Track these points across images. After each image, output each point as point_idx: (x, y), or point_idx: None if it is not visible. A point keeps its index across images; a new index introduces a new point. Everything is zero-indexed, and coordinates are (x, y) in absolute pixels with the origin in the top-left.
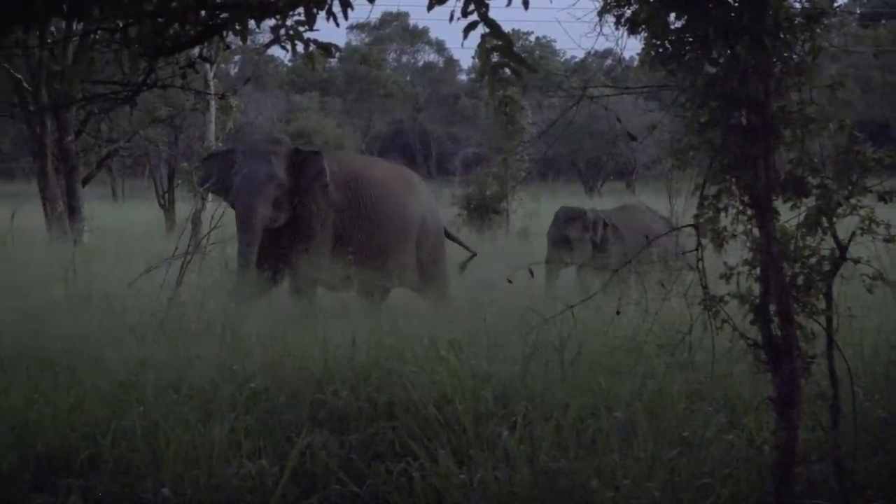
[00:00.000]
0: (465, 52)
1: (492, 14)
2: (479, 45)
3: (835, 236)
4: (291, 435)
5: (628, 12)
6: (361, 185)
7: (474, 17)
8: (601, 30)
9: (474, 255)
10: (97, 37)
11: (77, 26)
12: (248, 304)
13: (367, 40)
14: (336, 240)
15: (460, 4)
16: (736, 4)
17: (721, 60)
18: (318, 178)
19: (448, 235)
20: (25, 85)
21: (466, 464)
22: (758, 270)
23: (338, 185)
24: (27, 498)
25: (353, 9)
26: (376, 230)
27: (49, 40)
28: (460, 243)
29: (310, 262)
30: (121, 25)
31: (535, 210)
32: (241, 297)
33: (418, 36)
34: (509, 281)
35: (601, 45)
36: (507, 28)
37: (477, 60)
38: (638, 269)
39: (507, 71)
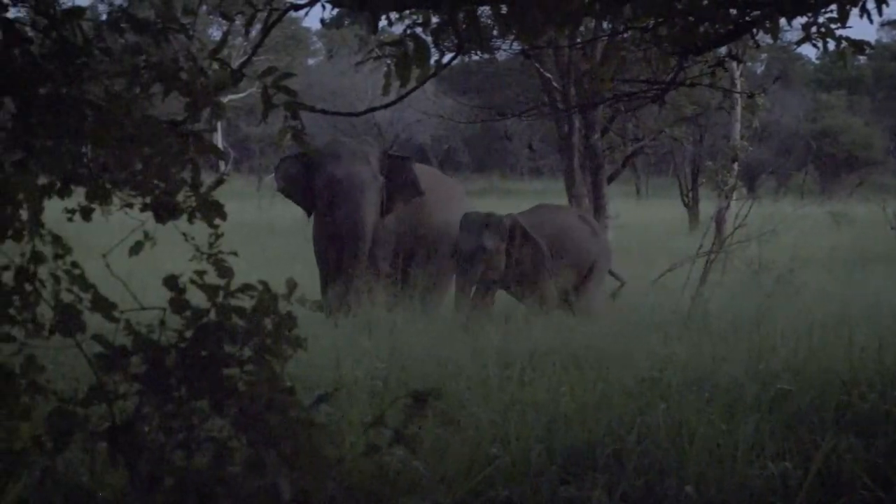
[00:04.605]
0: None
1: None
2: None
3: None
4: (816, 437)
5: None
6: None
7: None
8: None
9: None
10: (627, 36)
11: (607, 25)
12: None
13: None
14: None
15: None
16: None
17: None
18: (412, 187)
19: None
20: (555, 84)
21: None
22: None
23: None
24: (554, 490)
25: (888, 5)
26: (422, 240)
27: (578, 40)
28: None
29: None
30: (651, 24)
31: None
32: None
33: None
34: None
35: None
36: None
37: None
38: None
39: None
